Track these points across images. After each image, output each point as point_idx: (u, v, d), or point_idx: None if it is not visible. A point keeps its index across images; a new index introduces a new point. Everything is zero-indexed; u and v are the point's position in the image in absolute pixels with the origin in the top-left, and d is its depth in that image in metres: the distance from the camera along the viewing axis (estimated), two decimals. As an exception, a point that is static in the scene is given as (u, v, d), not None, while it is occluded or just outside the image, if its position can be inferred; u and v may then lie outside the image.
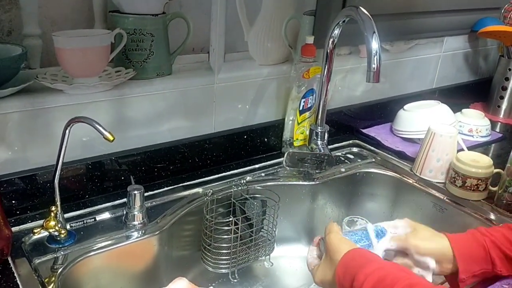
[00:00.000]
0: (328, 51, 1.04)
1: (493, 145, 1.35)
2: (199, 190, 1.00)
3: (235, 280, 0.96)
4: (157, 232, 0.88)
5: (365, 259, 0.66)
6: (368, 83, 0.87)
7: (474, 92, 1.64)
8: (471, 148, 1.22)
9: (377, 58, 0.86)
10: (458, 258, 0.72)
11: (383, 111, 1.40)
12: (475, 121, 1.36)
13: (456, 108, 1.36)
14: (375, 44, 0.86)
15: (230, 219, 0.94)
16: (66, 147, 0.75)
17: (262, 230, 1.00)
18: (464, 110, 1.39)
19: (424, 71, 1.51)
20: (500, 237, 0.73)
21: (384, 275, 0.61)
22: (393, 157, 1.22)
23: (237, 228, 0.91)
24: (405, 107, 1.34)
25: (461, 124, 1.35)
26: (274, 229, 1.00)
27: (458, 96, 1.59)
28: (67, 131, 0.74)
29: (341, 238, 0.73)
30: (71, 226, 0.85)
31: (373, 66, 0.86)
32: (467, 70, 1.66)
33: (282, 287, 1.02)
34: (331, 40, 1.02)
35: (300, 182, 1.10)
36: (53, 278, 0.75)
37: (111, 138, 0.71)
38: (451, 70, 1.59)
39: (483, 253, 0.72)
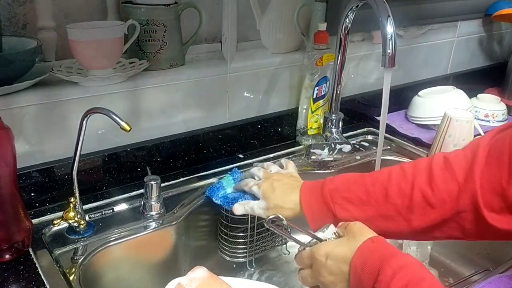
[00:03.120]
0: (342, 37, 1.03)
1: (509, 130, 1.33)
2: (214, 180, 1.00)
3: (252, 269, 0.96)
4: (174, 222, 0.89)
5: (389, 251, 0.61)
6: (384, 68, 0.86)
7: (489, 77, 1.61)
8: (488, 133, 1.20)
9: (392, 43, 0.85)
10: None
11: (397, 98, 1.38)
12: (491, 106, 1.35)
13: (471, 94, 1.35)
14: (390, 28, 0.85)
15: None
16: (83, 138, 0.76)
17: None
18: (479, 95, 1.38)
19: (438, 56, 1.49)
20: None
21: (417, 277, 0.56)
22: (408, 144, 1.22)
23: (253, 218, 0.91)
24: (420, 93, 1.33)
25: (477, 110, 1.34)
26: (290, 218, 0.99)
27: (473, 81, 1.57)
28: (84, 122, 0.74)
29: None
30: (89, 218, 0.86)
31: (388, 50, 0.85)
32: (482, 55, 1.64)
33: (295, 271, 1.02)
34: (344, 26, 1.01)
35: (315, 171, 1.10)
36: (74, 269, 0.76)
37: (128, 128, 0.71)
38: (465, 55, 1.57)
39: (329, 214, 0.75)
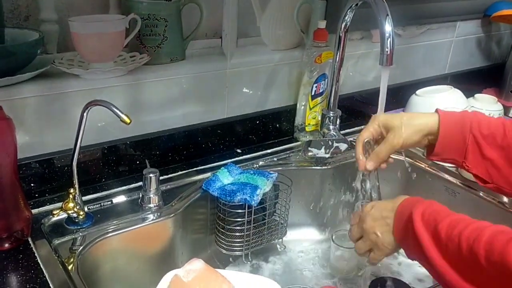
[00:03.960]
0: (341, 35, 1.04)
1: (505, 130, 1.35)
2: (212, 174, 1.01)
3: (249, 262, 0.98)
4: (172, 215, 0.90)
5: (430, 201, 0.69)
6: (381, 66, 0.87)
7: (487, 77, 1.63)
8: (484, 132, 1.21)
9: (390, 41, 0.86)
10: (440, 133, 0.77)
11: (395, 96, 1.39)
12: (487, 106, 1.35)
13: (468, 94, 1.36)
14: (388, 27, 0.86)
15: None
16: (84, 130, 0.77)
17: (275, 214, 1.02)
18: (476, 95, 1.39)
19: (436, 56, 1.50)
20: (487, 135, 0.75)
21: (460, 217, 0.62)
22: (405, 142, 1.22)
23: (250, 212, 0.92)
24: (417, 92, 1.34)
25: (474, 109, 1.35)
26: (287, 213, 1.01)
27: (470, 81, 1.58)
28: (84, 114, 0.75)
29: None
30: (88, 209, 0.87)
31: (386, 49, 0.86)
32: (480, 55, 1.65)
33: (294, 270, 1.03)
34: (344, 24, 1.02)
35: (313, 167, 1.11)
36: (72, 259, 0.77)
37: (128, 121, 0.72)
38: (463, 55, 1.58)
39: (461, 144, 0.76)
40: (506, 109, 1.43)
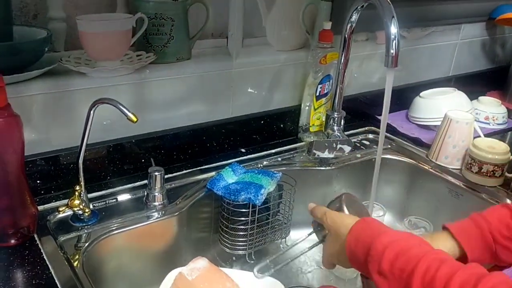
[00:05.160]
0: (346, 36, 1.04)
1: (509, 132, 1.35)
2: (216, 173, 1.01)
3: (252, 261, 0.98)
4: (176, 213, 0.90)
5: (378, 229, 0.65)
6: (386, 68, 0.87)
7: (491, 80, 1.63)
8: (488, 135, 1.21)
9: (395, 43, 0.86)
10: (464, 245, 0.71)
11: (399, 98, 1.39)
12: (491, 109, 1.36)
13: (472, 96, 1.36)
14: (393, 29, 0.86)
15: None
16: (90, 128, 0.77)
17: (278, 213, 1.02)
18: (480, 98, 1.39)
19: (440, 58, 1.50)
20: (497, 225, 0.72)
21: (407, 246, 0.60)
22: (408, 144, 1.23)
23: (254, 211, 0.92)
24: (421, 94, 1.34)
25: (478, 112, 1.35)
26: (290, 213, 1.01)
27: (474, 84, 1.58)
28: (91, 112, 0.76)
29: (338, 213, 0.73)
30: (93, 206, 0.88)
31: (392, 51, 0.86)
32: (484, 58, 1.65)
33: (296, 270, 1.04)
34: (349, 25, 1.03)
35: (316, 167, 1.11)
36: (78, 255, 0.77)
37: (135, 119, 0.73)
38: (468, 57, 1.59)
39: (489, 244, 0.72)
40: (509, 112, 1.43)
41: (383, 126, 0.93)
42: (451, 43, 1.51)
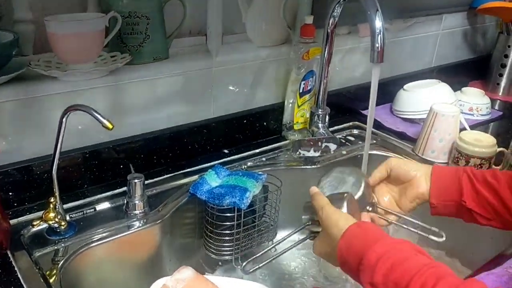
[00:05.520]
0: (329, 31, 1.01)
1: (492, 123, 1.35)
2: (199, 177, 0.98)
3: (239, 266, 0.95)
4: (159, 221, 0.86)
5: (373, 236, 0.62)
6: (372, 64, 0.85)
7: (473, 70, 1.62)
8: (472, 127, 1.21)
9: (381, 37, 0.84)
10: (432, 183, 0.76)
11: (383, 91, 1.36)
12: (475, 100, 1.35)
13: (455, 87, 1.35)
14: (378, 23, 0.83)
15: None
16: (63, 136, 0.73)
17: (265, 215, 0.99)
18: (464, 89, 1.38)
19: (422, 49, 1.49)
20: (477, 174, 0.74)
21: (402, 257, 0.57)
22: (394, 138, 1.21)
23: (239, 215, 0.89)
24: (404, 87, 1.33)
25: (461, 103, 1.34)
26: (276, 215, 0.98)
27: (457, 74, 1.57)
28: (64, 119, 0.71)
29: (335, 211, 0.69)
30: (70, 217, 0.83)
31: (377, 45, 0.84)
32: (466, 48, 1.64)
33: (286, 272, 1.01)
34: (332, 19, 1.00)
35: (302, 166, 1.08)
36: (55, 271, 0.73)
37: (110, 127, 0.69)
38: (450, 48, 1.58)
39: (456, 184, 0.74)
40: (492, 102, 1.42)
41: (370, 122, 0.91)
42: (433, 34, 1.49)
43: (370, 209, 0.78)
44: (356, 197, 0.75)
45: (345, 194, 0.74)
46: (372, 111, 0.89)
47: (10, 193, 0.83)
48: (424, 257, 0.58)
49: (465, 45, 1.63)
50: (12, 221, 0.80)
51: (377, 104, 1.36)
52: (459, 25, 1.56)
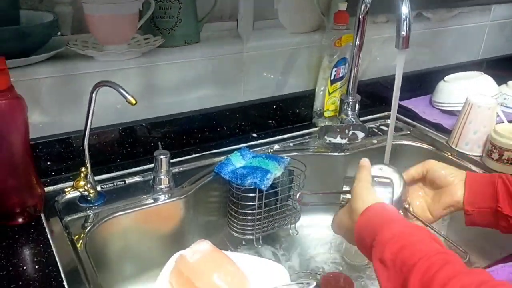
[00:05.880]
0: (361, 17, 1.01)
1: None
2: (225, 157, 1.01)
3: (260, 246, 0.98)
4: (183, 196, 0.91)
5: (392, 217, 0.63)
6: (397, 50, 0.84)
7: (524, 63, 1.54)
8: (512, 121, 1.16)
9: (407, 23, 0.83)
10: (466, 189, 0.74)
11: (423, 82, 1.35)
12: (520, 94, 1.29)
13: (503, 80, 1.30)
14: (405, 9, 0.82)
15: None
16: (93, 110, 0.78)
17: (289, 199, 1.01)
18: (509, 82, 1.32)
19: (469, 41, 1.44)
20: None
21: (415, 240, 0.57)
22: (430, 130, 1.19)
23: (261, 196, 0.92)
24: (445, 78, 1.29)
25: (506, 97, 1.29)
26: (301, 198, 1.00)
27: (506, 67, 1.50)
28: (93, 95, 0.77)
29: (370, 189, 0.70)
30: (102, 188, 0.89)
31: (403, 32, 0.83)
32: (517, 41, 1.56)
33: (306, 255, 1.02)
34: (364, 5, 0.99)
35: (330, 153, 1.09)
36: (82, 235, 0.79)
37: (134, 102, 0.73)
38: (499, 40, 1.51)
39: (491, 190, 0.72)
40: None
41: (394, 110, 0.90)
42: (481, 25, 1.43)
43: (402, 213, 0.77)
44: (395, 197, 0.74)
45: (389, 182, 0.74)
46: (396, 99, 0.88)
47: (49, 163, 0.90)
48: (436, 244, 0.58)
49: (516, 38, 1.55)
50: (48, 189, 0.86)
51: (417, 95, 1.35)
52: (510, 16, 1.49)
